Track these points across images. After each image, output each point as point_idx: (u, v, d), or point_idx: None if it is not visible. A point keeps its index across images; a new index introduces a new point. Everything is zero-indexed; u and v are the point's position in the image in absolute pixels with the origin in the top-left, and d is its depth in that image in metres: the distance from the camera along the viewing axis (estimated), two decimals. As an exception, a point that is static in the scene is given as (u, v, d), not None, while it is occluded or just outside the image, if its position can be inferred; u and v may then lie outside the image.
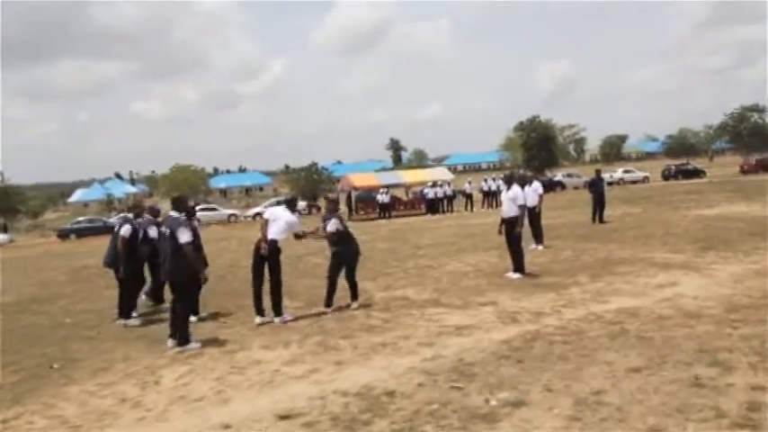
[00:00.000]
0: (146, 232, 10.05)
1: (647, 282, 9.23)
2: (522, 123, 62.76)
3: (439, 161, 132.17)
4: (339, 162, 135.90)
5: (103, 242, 8.72)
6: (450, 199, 32.65)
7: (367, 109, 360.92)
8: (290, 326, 8.36)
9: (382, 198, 32.44)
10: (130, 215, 10.31)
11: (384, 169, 77.05)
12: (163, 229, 7.88)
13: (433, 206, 32.72)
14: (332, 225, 9.10)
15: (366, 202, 34.55)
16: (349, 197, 34.80)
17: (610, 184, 44.94)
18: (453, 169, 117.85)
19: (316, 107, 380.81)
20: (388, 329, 7.64)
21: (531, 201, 14.69)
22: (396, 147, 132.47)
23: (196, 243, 9.29)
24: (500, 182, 31.67)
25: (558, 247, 14.25)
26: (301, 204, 44.17)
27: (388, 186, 33.91)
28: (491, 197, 32.47)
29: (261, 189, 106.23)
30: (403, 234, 21.37)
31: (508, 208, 10.76)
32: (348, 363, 6.37)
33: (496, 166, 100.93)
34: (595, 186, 19.19)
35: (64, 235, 38.89)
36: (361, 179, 34.75)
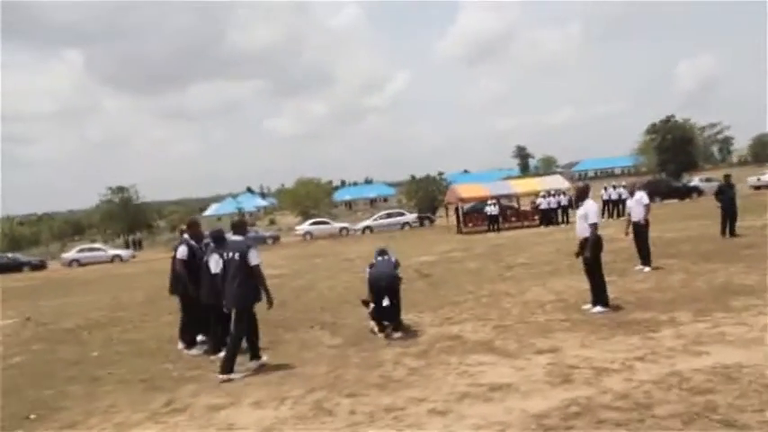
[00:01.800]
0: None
1: (769, 324, 7.04)
2: (654, 125, 57.91)
3: (569, 167, 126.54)
4: (466, 171, 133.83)
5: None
6: (566, 209, 30.07)
7: (494, 117, 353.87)
8: (309, 374, 7.07)
9: (491, 210, 30.51)
10: (186, 236, 9.34)
11: (509, 178, 74.37)
12: (228, 254, 7.43)
13: (548, 217, 30.35)
14: None
15: (475, 215, 32.78)
16: (457, 210, 33.12)
17: (757, 188, 40.08)
18: (584, 176, 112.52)
19: (442, 117, 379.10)
20: (408, 385, 6.15)
21: (637, 214, 12.54)
22: (523, 154, 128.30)
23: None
24: (621, 189, 28.94)
25: (671, 268, 11.98)
26: (411, 217, 43.14)
27: (497, 197, 31.87)
28: (612, 206, 29.59)
29: (385, 200, 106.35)
30: (501, 250, 19.52)
31: (581, 227, 8.91)
32: (329, 438, 4.99)
33: (631, 172, 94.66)
34: (724, 194, 16.34)
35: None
36: (468, 190, 32.88)
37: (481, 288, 12.07)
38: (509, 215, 32.49)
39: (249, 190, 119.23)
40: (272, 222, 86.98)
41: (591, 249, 8.66)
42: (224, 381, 7.03)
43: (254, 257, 7.25)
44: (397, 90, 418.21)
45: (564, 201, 30.34)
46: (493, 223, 30.37)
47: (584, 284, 10.46)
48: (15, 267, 38.30)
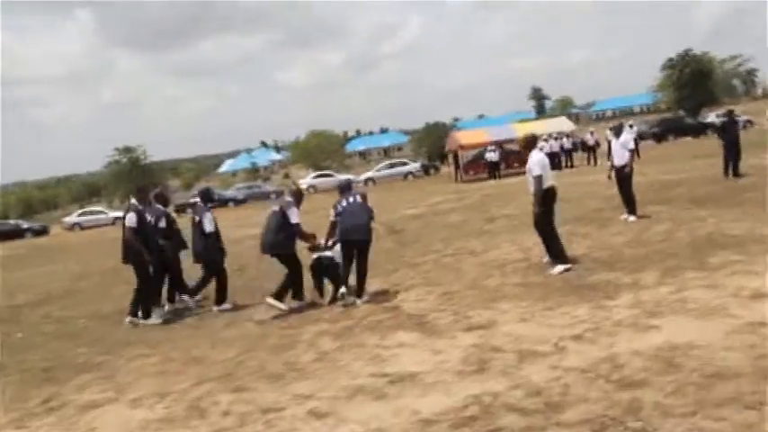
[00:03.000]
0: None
1: (742, 287, 5.99)
2: (671, 60, 55.37)
3: (587, 108, 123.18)
4: (481, 116, 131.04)
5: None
6: (570, 152, 28.73)
7: (511, 59, 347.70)
8: (214, 359, 6.29)
9: (491, 156, 29.28)
10: (134, 201, 8.81)
11: (523, 121, 72.57)
12: (275, 208, 7.99)
13: (551, 161, 29.03)
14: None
15: (477, 162, 31.57)
16: (456, 157, 31.92)
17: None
18: (602, 116, 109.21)
19: (458, 61, 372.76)
20: (306, 375, 5.31)
21: (620, 158, 11.42)
22: (538, 96, 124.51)
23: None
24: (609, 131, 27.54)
25: (659, 216, 10.92)
26: (414, 166, 42.00)
27: (499, 142, 30.57)
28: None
29: (399, 149, 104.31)
30: (491, 201, 18.48)
31: (529, 181, 7.91)
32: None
33: (650, 110, 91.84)
34: (727, 131, 15.04)
35: (181, 209, 38.82)
36: (469, 136, 31.55)
37: (449, 246, 11.15)
38: (512, 161, 31.17)
39: (263, 144, 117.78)
40: (287, 176, 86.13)
41: (537, 204, 7.67)
42: (271, 305, 7.68)
43: (293, 216, 7.72)
44: (411, 36, 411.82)
45: (567, 144, 29.00)
46: (493, 170, 29.19)
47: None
48: (17, 234, 37.97)
